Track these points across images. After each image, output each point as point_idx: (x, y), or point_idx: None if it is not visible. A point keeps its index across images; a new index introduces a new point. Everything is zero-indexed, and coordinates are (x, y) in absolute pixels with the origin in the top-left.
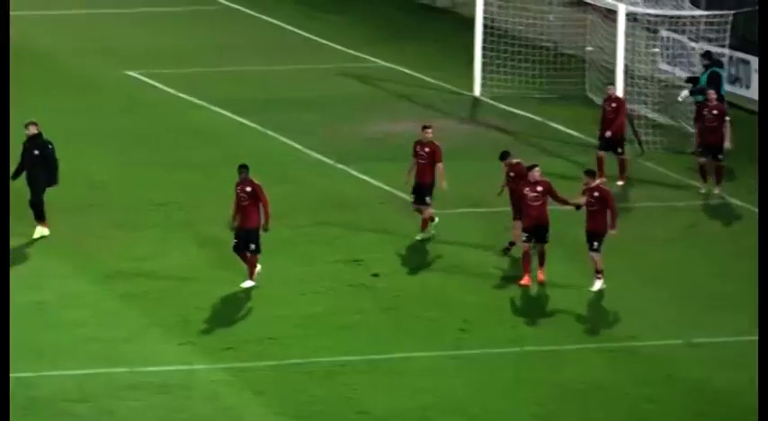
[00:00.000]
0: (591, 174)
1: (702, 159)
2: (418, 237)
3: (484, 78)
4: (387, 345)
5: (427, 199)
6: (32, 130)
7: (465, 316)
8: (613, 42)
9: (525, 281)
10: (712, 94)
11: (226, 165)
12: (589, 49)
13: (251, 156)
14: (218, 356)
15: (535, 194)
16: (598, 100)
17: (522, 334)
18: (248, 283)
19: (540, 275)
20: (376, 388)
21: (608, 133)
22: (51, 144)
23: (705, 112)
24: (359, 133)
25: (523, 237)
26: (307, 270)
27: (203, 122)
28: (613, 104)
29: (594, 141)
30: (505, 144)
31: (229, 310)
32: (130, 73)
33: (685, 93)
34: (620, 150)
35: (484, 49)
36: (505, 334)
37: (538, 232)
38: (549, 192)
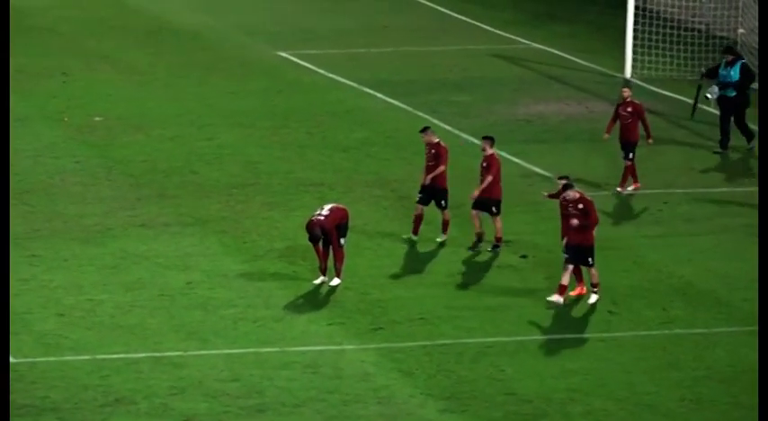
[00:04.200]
0: (569, 186)
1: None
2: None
3: (635, 60)
4: (535, 327)
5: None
6: None
7: (614, 298)
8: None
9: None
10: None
11: (377, 146)
12: (741, 31)
13: (402, 138)
14: (367, 337)
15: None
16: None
17: (672, 316)
18: (336, 281)
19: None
20: (524, 369)
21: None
22: None
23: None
24: (509, 115)
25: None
26: (456, 251)
27: (354, 104)
28: (629, 109)
29: (748, 124)
30: (656, 126)
31: (378, 291)
32: (282, 54)
33: (715, 89)
34: (630, 156)
35: (635, 30)
36: (655, 316)
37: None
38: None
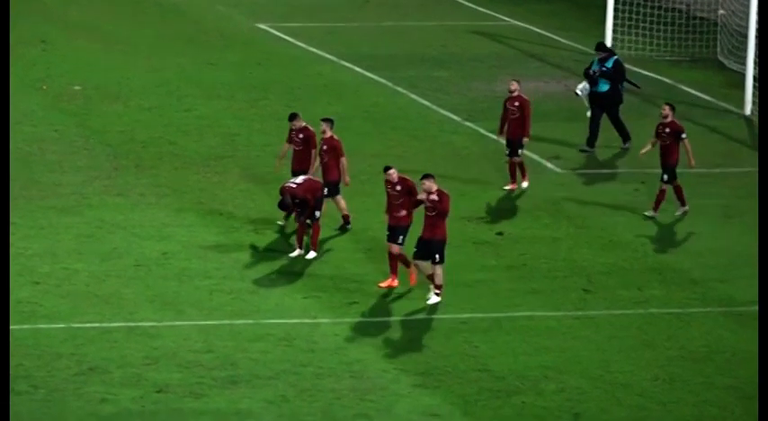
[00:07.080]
0: (429, 177)
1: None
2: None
3: (615, 39)
4: (510, 304)
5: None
6: None
7: (590, 276)
8: (746, 6)
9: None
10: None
11: (355, 120)
12: (721, 12)
13: (380, 112)
14: (342, 310)
15: (395, 193)
16: (729, 64)
17: (647, 296)
18: (312, 254)
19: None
20: (498, 346)
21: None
22: None
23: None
24: (488, 91)
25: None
26: None
27: (333, 77)
28: (516, 103)
29: (725, 105)
30: (635, 105)
31: (353, 265)
32: (261, 26)
33: (586, 85)
34: (520, 152)
35: (616, 9)
36: (630, 296)
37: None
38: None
